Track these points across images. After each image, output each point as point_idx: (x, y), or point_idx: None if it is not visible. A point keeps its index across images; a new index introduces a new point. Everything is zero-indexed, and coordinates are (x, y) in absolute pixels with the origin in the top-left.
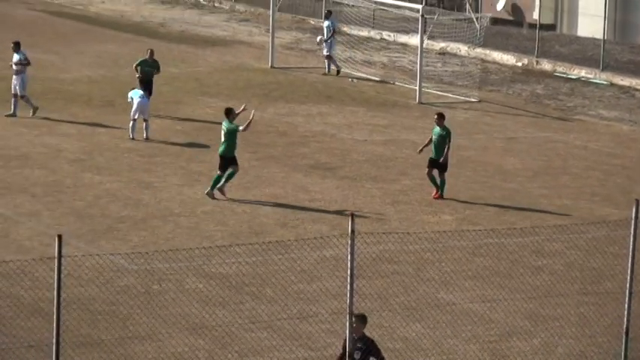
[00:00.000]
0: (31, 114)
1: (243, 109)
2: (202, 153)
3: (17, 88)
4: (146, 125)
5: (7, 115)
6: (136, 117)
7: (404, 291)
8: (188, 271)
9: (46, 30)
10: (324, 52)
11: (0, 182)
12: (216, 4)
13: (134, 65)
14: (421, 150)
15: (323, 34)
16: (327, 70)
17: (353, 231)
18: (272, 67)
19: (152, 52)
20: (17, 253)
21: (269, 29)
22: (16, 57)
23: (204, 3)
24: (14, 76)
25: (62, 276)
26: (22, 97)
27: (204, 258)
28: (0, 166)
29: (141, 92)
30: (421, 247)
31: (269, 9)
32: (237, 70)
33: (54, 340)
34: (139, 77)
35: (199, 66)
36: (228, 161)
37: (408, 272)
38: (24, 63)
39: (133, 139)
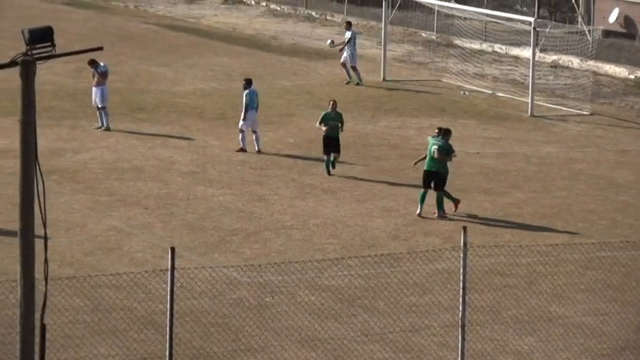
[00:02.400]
0: (98, 126)
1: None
2: (314, 166)
3: (97, 100)
4: (256, 137)
5: (96, 129)
6: (244, 128)
7: (516, 304)
8: (300, 284)
9: (159, 43)
10: (349, 63)
11: (114, 195)
12: (327, 17)
13: (318, 122)
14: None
15: (344, 44)
16: (358, 80)
17: (465, 244)
18: (384, 79)
19: (335, 104)
20: (130, 266)
21: (381, 42)
22: (101, 70)
23: (316, 16)
24: (94, 88)
25: (175, 288)
26: (103, 108)
27: (316, 270)
28: (114, 179)
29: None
30: (533, 260)
31: (381, 22)
32: (348, 83)
33: (167, 353)
34: (324, 134)
35: (311, 79)
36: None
37: (519, 285)
38: (102, 73)
39: (243, 148)
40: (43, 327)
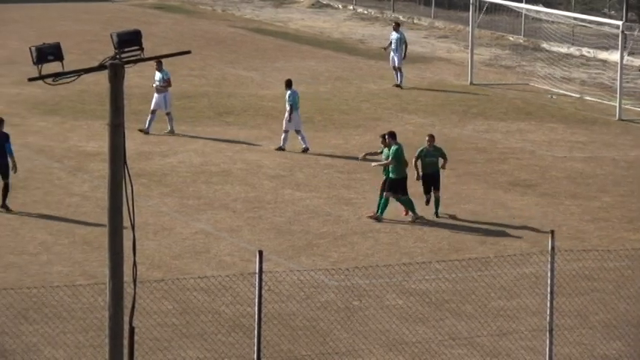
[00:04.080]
0: (167, 132)
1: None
2: None
3: (162, 105)
4: (302, 137)
5: (140, 130)
6: (289, 129)
7: (603, 308)
8: (388, 287)
9: (247, 46)
10: (396, 64)
11: (202, 198)
12: (415, 21)
13: (414, 160)
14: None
15: (391, 46)
16: (398, 81)
17: (553, 248)
18: (471, 83)
19: (432, 138)
20: (218, 269)
21: (468, 46)
22: (158, 75)
23: (404, 20)
24: (156, 94)
25: (263, 291)
26: (167, 113)
27: (403, 274)
28: (201, 182)
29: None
30: (621, 264)
31: (468, 25)
32: (436, 87)
33: (255, 356)
34: (422, 172)
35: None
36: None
37: (607, 290)
38: (163, 85)
39: (282, 147)
40: (131, 330)
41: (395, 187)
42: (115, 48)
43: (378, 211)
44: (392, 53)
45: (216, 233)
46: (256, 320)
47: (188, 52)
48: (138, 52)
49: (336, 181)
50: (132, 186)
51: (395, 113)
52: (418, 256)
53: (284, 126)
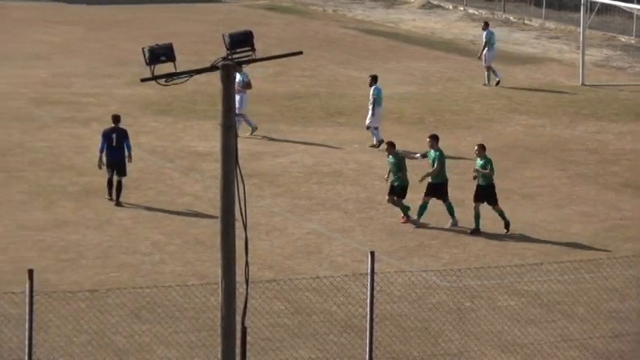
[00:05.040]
0: (249, 133)
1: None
2: (513, 170)
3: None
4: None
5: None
6: (372, 125)
7: None
8: (499, 288)
9: (358, 47)
10: (484, 64)
11: (314, 198)
12: (526, 22)
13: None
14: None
15: (484, 47)
16: (486, 81)
17: None
18: (582, 84)
19: (482, 148)
20: (330, 269)
21: (579, 46)
22: (238, 77)
23: (514, 20)
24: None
25: (374, 292)
26: (238, 115)
27: (515, 275)
28: (313, 182)
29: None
30: None
31: (579, 26)
32: (547, 88)
33: (367, 357)
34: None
35: (509, 83)
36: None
37: None
38: (242, 87)
39: (380, 140)
40: (243, 330)
41: (436, 191)
42: (227, 49)
43: (416, 216)
44: (486, 52)
45: (328, 234)
46: (368, 321)
47: (300, 53)
48: (250, 53)
49: (449, 182)
50: (244, 186)
51: (506, 114)
52: (529, 257)
53: (368, 122)
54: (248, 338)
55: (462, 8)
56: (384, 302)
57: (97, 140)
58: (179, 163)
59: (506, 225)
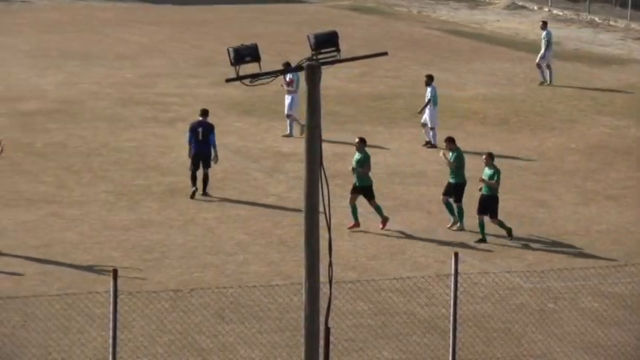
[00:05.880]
0: (299, 133)
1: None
2: (597, 172)
3: (286, 107)
4: (432, 132)
5: (284, 136)
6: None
7: None
8: (583, 290)
9: (441, 48)
10: (543, 62)
11: (397, 199)
12: (611, 23)
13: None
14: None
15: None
16: (544, 80)
17: None
18: None
19: (489, 157)
20: (413, 270)
21: None
22: (289, 77)
23: (599, 21)
24: (286, 96)
25: (458, 293)
26: (288, 116)
27: (599, 277)
28: (397, 183)
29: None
30: None
31: None
32: (632, 89)
33: (450, 358)
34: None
35: (594, 85)
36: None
37: None
38: (283, 85)
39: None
40: (327, 330)
41: (455, 192)
42: (312, 49)
43: (459, 222)
44: (544, 52)
45: (411, 234)
46: (451, 322)
47: (385, 54)
48: (334, 54)
49: (531, 183)
50: (328, 187)
51: (590, 115)
52: (613, 259)
53: (422, 120)
54: (331, 338)
55: (546, 9)
56: (467, 303)
57: (183, 141)
58: (263, 164)
59: (509, 232)
